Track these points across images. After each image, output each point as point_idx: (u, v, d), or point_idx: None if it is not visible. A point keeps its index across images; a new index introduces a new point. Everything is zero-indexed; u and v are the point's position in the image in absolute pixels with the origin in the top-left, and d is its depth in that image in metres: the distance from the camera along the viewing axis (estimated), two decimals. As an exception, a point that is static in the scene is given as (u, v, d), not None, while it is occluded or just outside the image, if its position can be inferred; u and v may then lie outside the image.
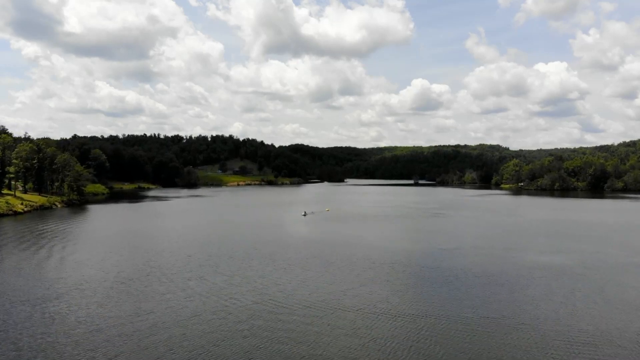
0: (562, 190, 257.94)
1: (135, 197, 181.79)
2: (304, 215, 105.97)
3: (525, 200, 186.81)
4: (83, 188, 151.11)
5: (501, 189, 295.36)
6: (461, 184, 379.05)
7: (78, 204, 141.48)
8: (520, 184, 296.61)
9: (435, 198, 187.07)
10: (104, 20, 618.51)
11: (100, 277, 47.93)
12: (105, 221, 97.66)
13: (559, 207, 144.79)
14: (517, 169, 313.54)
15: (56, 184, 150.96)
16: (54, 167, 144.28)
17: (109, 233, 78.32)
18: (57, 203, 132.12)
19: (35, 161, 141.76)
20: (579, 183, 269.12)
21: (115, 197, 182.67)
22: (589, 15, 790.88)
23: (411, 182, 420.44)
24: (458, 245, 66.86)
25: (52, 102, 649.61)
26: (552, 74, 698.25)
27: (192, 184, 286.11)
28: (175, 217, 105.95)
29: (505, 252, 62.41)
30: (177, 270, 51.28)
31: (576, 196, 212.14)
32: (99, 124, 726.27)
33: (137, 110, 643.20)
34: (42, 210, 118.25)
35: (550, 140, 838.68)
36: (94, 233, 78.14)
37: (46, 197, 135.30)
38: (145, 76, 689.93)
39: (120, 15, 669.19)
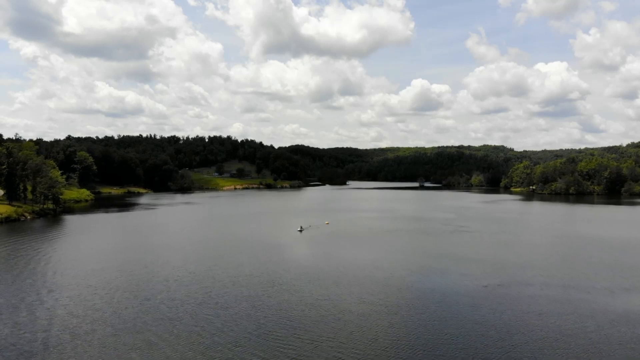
0: (578, 194, 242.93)
1: (120, 204, 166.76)
2: (300, 231, 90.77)
3: (547, 208, 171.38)
4: (59, 196, 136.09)
5: (511, 192, 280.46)
6: (468, 186, 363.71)
7: (52, 214, 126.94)
8: (532, 187, 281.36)
9: (449, 205, 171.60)
10: (103, 20, 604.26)
11: (9, 343, 33.19)
12: (67, 241, 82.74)
13: (592, 218, 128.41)
14: (528, 171, 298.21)
15: (29, 189, 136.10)
16: (24, 172, 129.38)
17: (59, 260, 63.44)
18: (26, 214, 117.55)
19: (4, 166, 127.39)
20: (595, 187, 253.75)
21: (99, 204, 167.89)
22: (589, 15, 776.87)
23: (416, 184, 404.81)
24: (502, 281, 51.85)
25: (51, 102, 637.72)
26: (553, 74, 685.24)
27: (185, 188, 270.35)
28: (151, 234, 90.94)
29: (568, 292, 47.43)
30: (119, 328, 36.53)
31: (593, 201, 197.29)
32: (99, 124, 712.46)
33: (137, 111, 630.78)
34: (7, 223, 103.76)
35: (550, 140, 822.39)
36: (41, 260, 63.29)
37: (16, 206, 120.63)
38: (144, 76, 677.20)
39: (118, 15, 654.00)
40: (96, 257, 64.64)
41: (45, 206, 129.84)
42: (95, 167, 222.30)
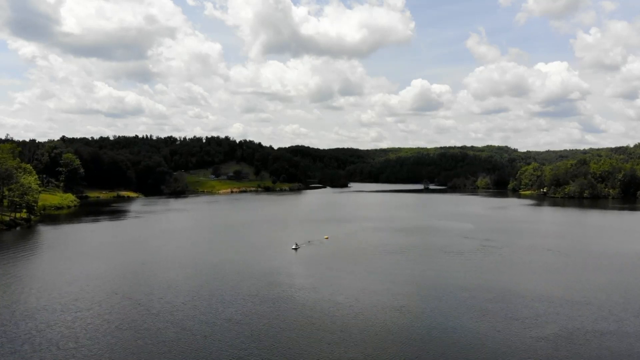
0: (592, 198, 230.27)
1: (105, 211, 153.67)
2: (295, 249, 77.83)
3: (570, 215, 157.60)
4: (33, 204, 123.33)
5: (520, 195, 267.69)
6: (474, 189, 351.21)
7: (26, 224, 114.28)
8: (542, 190, 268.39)
9: (461, 211, 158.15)
10: (102, 20, 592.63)
11: None
12: (21, 263, 70.04)
13: (628, 229, 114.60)
14: (539, 173, 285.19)
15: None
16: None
17: (2, 291, 50.88)
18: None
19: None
20: (611, 190, 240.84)
21: (83, 210, 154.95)
22: (590, 15, 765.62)
23: (420, 187, 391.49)
24: (562, 329, 38.82)
25: (51, 102, 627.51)
26: (553, 74, 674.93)
27: (179, 192, 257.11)
28: (120, 254, 78.15)
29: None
30: None
31: (610, 206, 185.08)
32: (99, 124, 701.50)
33: (137, 111, 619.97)
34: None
35: (551, 140, 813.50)
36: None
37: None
38: (144, 77, 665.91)
39: (117, 15, 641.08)
40: (45, 287, 51.86)
41: (17, 215, 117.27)
42: (82, 170, 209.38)
